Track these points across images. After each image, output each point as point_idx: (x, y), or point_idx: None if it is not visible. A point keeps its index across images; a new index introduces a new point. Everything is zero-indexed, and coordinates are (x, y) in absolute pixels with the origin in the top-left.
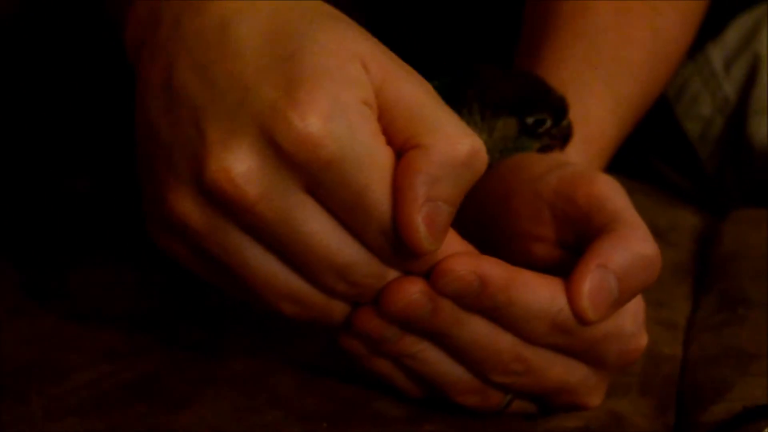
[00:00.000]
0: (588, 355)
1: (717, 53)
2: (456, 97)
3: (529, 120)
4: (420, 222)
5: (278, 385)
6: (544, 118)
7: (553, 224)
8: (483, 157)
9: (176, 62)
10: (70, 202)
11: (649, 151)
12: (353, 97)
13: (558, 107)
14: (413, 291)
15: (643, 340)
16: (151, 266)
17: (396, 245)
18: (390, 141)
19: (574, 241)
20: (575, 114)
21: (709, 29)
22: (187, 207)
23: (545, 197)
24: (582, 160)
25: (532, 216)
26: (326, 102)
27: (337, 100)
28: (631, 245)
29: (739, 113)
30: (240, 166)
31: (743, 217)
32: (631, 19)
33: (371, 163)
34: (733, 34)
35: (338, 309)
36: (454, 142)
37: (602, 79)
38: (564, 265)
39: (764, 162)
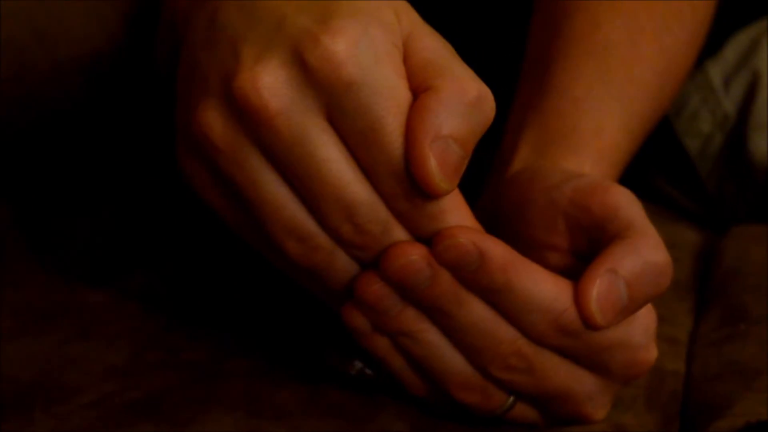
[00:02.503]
0: (593, 362)
1: (716, 70)
2: None
3: None
4: (431, 157)
5: (283, 403)
6: None
7: (567, 233)
8: (490, 104)
9: (221, 4)
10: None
11: (649, 168)
12: (383, 35)
13: None
14: (413, 252)
15: (652, 354)
16: (155, 286)
17: (405, 192)
18: (410, 88)
19: (587, 250)
20: (589, 128)
21: (707, 46)
22: (211, 117)
23: (560, 206)
24: (596, 173)
25: (547, 225)
26: (357, 31)
27: (367, 32)
28: (643, 252)
29: (738, 130)
30: (267, 77)
31: (744, 233)
32: (641, 37)
33: (390, 96)
34: (732, 51)
35: (341, 261)
36: (462, 84)
37: (614, 95)
38: (577, 274)
39: (764, 178)
